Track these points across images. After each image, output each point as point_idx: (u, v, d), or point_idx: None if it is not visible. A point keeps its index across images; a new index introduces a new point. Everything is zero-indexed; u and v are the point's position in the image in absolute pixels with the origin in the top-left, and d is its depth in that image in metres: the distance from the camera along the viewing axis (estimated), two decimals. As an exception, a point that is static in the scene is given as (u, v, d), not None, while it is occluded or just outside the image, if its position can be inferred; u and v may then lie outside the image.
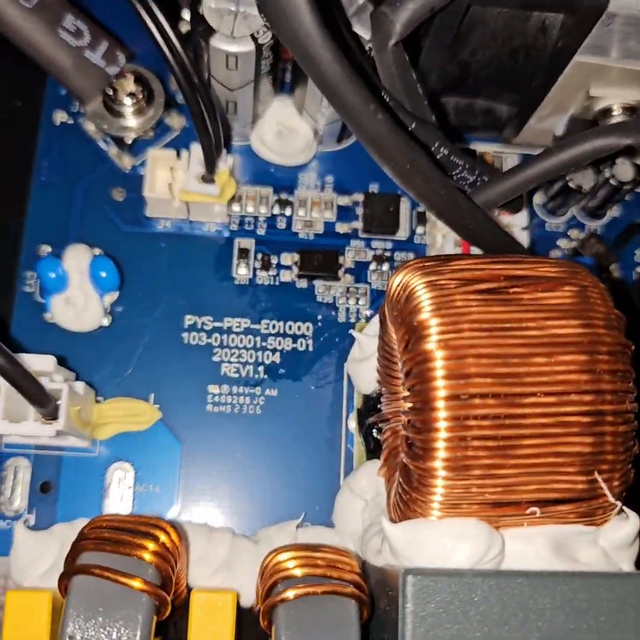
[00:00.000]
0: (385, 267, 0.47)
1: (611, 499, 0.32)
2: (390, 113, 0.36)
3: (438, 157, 0.38)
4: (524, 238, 0.44)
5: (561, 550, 0.33)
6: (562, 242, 0.49)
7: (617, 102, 0.42)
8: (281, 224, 0.48)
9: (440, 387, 0.32)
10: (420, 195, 0.36)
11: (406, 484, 0.33)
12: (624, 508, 0.33)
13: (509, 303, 0.33)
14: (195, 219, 0.46)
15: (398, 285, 0.35)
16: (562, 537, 0.33)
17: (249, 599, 0.40)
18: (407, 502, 0.33)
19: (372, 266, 0.47)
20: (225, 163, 0.43)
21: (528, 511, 0.33)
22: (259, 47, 0.40)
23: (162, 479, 0.43)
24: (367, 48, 0.40)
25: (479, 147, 0.50)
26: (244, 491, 0.44)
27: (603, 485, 0.32)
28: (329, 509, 0.43)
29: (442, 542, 0.32)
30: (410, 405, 0.33)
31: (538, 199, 0.49)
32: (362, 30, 0.41)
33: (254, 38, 0.40)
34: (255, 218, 0.47)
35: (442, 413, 0.31)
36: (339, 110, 0.32)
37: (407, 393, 0.34)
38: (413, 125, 0.37)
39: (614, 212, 0.49)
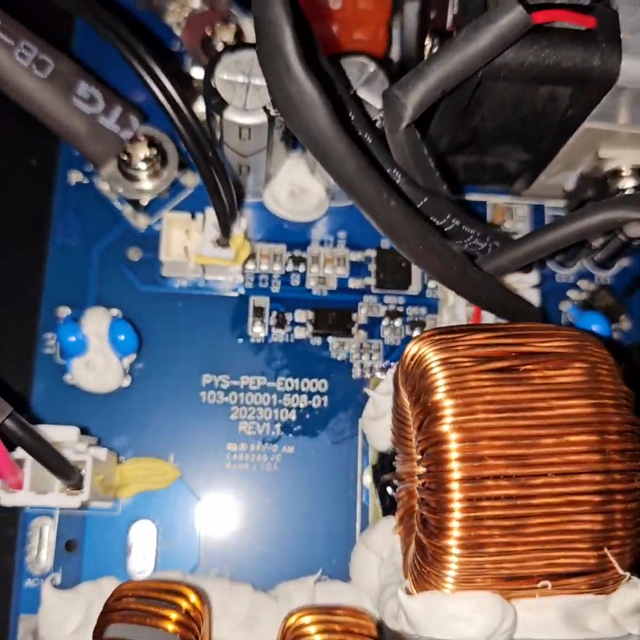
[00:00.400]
0: (398, 322, 0.48)
1: (620, 572, 0.33)
2: (403, 189, 0.37)
3: (450, 228, 0.39)
4: (534, 296, 0.44)
5: (572, 619, 0.34)
6: (572, 294, 0.49)
7: (626, 163, 0.43)
8: (295, 281, 0.48)
9: (455, 470, 0.33)
10: (433, 272, 0.37)
11: (422, 558, 0.34)
12: (633, 577, 0.34)
13: (520, 383, 0.34)
14: (211, 278, 0.47)
15: (413, 357, 0.36)
16: (572, 607, 0.34)
17: (270, 656, 0.41)
18: (423, 575, 0.35)
19: (385, 322, 0.48)
20: (240, 227, 0.44)
21: (540, 585, 0.34)
22: (271, 118, 0.41)
23: (183, 536, 0.44)
24: (376, 117, 0.41)
25: (490, 198, 0.50)
26: (262, 546, 0.45)
27: (613, 560, 0.33)
28: (346, 562, 0.44)
29: (458, 614, 0.33)
30: (425, 483, 0.34)
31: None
32: (372, 99, 0.42)
33: (266, 110, 0.41)
34: (270, 276, 0.48)
35: (456, 494, 0.32)
36: (353, 200, 0.33)
37: (422, 470, 0.35)
38: (425, 200, 0.37)
39: (623, 262, 0.50)
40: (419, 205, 0.38)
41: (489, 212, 0.50)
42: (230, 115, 0.41)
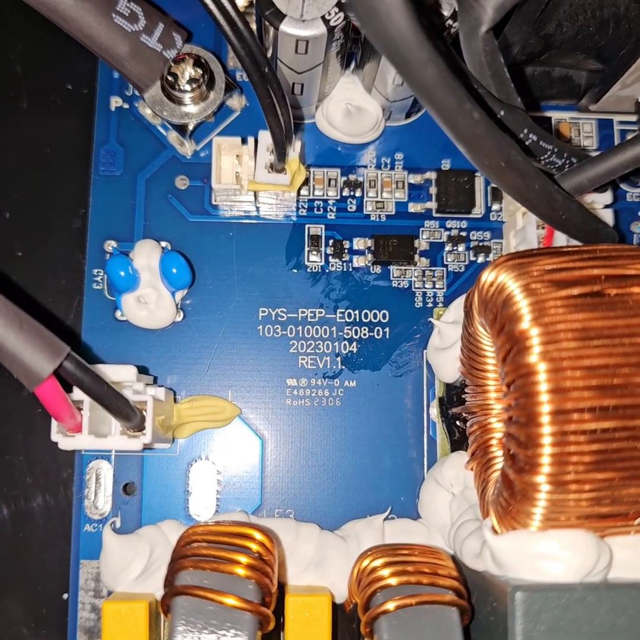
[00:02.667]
0: (462, 247, 0.45)
1: None
2: (478, 100, 0.34)
3: (527, 143, 0.36)
4: (608, 216, 0.42)
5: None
6: (643, 213, 0.47)
7: None
8: (351, 207, 0.46)
9: (545, 402, 0.30)
10: (514, 191, 0.34)
11: (509, 495, 0.32)
12: None
13: (613, 308, 0.32)
14: (265, 205, 0.44)
15: (491, 284, 0.34)
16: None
17: (340, 596, 0.40)
18: (510, 512, 0.33)
19: (448, 247, 0.46)
20: (294, 150, 0.41)
21: (637, 522, 0.32)
22: (330, 30, 0.38)
23: (244, 476, 0.43)
24: (447, 25, 0.38)
25: (555, 114, 0.47)
26: (327, 485, 0.43)
27: None
28: (414, 499, 0.42)
29: (551, 553, 0.32)
30: (513, 417, 0.32)
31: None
32: (447, 9, 0.38)
33: (325, 20, 0.38)
34: (325, 202, 0.46)
35: (547, 428, 0.30)
36: (433, 113, 0.30)
37: (508, 402, 0.32)
38: (502, 113, 0.35)
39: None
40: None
41: (554, 128, 0.47)
42: (286, 27, 0.37)
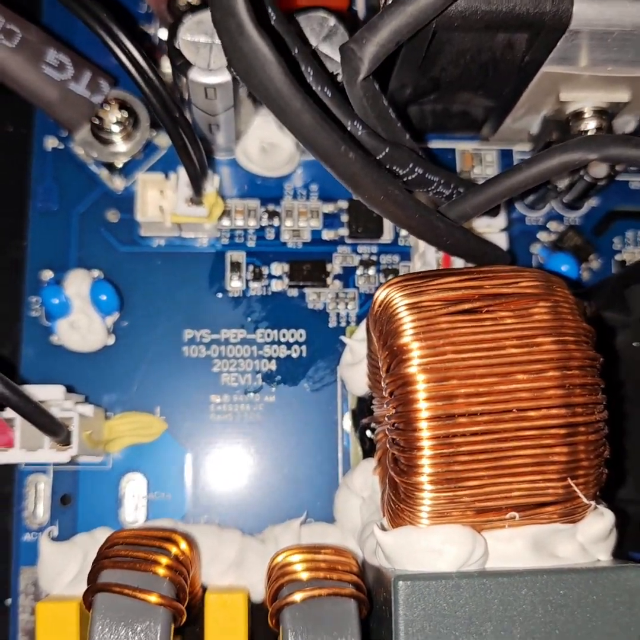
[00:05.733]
0: (372, 271, 0.49)
1: (585, 501, 0.35)
2: (364, 139, 0.38)
3: (413, 176, 0.40)
4: (503, 240, 0.46)
5: (541, 548, 0.36)
6: (542, 235, 0.50)
7: (587, 105, 0.44)
8: (270, 235, 0.50)
9: (422, 409, 0.34)
10: (396, 221, 0.38)
11: (394, 496, 0.36)
12: (599, 506, 0.36)
13: (484, 323, 0.35)
14: (188, 235, 0.48)
15: (380, 303, 0.38)
16: (541, 536, 0.36)
17: (259, 595, 0.43)
18: (397, 511, 0.36)
19: (359, 271, 0.49)
20: (212, 185, 0.45)
21: (508, 516, 0.35)
22: (234, 77, 0.42)
23: (172, 486, 0.46)
24: (336, 72, 0.42)
25: (459, 145, 0.51)
26: (249, 492, 0.47)
27: (577, 490, 0.35)
28: (330, 505, 0.46)
29: (430, 547, 0.35)
30: (394, 423, 0.35)
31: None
32: (333, 53, 0.42)
33: (229, 68, 0.41)
34: (245, 231, 0.49)
35: (424, 432, 0.34)
36: (313, 154, 0.34)
37: (390, 410, 0.36)
38: (387, 151, 0.38)
39: (592, 202, 0.51)
40: (381, 156, 0.38)
41: (458, 158, 0.51)
42: (194, 75, 0.41)
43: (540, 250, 0.50)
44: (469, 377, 0.34)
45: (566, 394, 0.34)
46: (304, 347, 0.48)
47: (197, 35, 0.42)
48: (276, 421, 0.47)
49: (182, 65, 0.41)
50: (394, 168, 0.39)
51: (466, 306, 0.36)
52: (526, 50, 0.40)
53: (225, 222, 0.49)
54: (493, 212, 0.45)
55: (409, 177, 0.40)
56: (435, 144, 0.51)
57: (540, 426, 0.34)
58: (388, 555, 0.36)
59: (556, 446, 0.34)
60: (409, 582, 0.34)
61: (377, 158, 0.38)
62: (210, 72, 0.41)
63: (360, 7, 0.51)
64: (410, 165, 0.39)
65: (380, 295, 0.38)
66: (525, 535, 0.36)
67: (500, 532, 0.36)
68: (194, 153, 0.42)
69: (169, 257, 0.49)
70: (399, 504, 0.36)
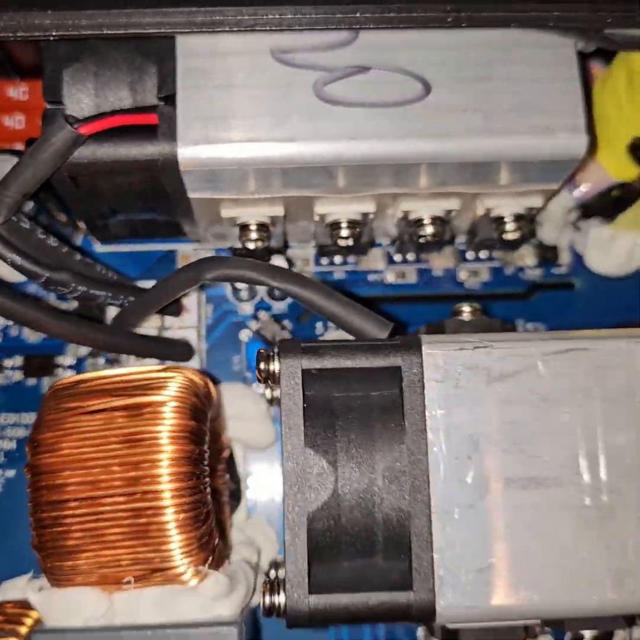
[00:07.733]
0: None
1: (183, 568, 0.43)
2: (24, 268, 0.46)
3: (78, 294, 0.47)
4: (193, 335, 0.53)
5: (163, 605, 0.43)
6: (252, 324, 0.57)
7: (251, 220, 0.51)
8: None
9: (42, 495, 0.43)
10: (64, 339, 0.47)
11: (43, 569, 0.44)
12: (213, 571, 0.44)
13: (97, 421, 0.44)
14: None
15: (45, 397, 0.46)
16: (162, 595, 0.43)
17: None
18: (45, 573, 0.44)
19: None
20: None
21: (124, 581, 0.43)
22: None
23: None
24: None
25: (180, 247, 0.58)
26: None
27: (179, 558, 0.43)
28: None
29: (66, 607, 0.43)
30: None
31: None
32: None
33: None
34: None
35: (43, 515, 0.42)
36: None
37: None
38: (46, 276, 0.46)
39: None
40: (42, 281, 0.46)
41: (179, 260, 0.58)
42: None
43: (249, 338, 0.56)
44: (80, 468, 0.43)
45: (134, 483, 0.42)
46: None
47: None
48: (14, 496, 0.54)
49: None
50: (59, 288, 0.47)
51: (95, 403, 0.44)
52: (162, 184, 0.47)
53: None
54: (174, 313, 0.53)
55: (75, 295, 0.48)
56: (159, 247, 0.58)
57: (131, 509, 0.42)
58: (40, 612, 0.44)
59: (151, 525, 0.42)
60: (45, 636, 0.42)
61: (40, 282, 0.46)
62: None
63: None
64: (72, 285, 0.47)
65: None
66: (148, 595, 0.44)
67: (127, 594, 0.44)
68: None
69: None
70: (44, 570, 0.44)
